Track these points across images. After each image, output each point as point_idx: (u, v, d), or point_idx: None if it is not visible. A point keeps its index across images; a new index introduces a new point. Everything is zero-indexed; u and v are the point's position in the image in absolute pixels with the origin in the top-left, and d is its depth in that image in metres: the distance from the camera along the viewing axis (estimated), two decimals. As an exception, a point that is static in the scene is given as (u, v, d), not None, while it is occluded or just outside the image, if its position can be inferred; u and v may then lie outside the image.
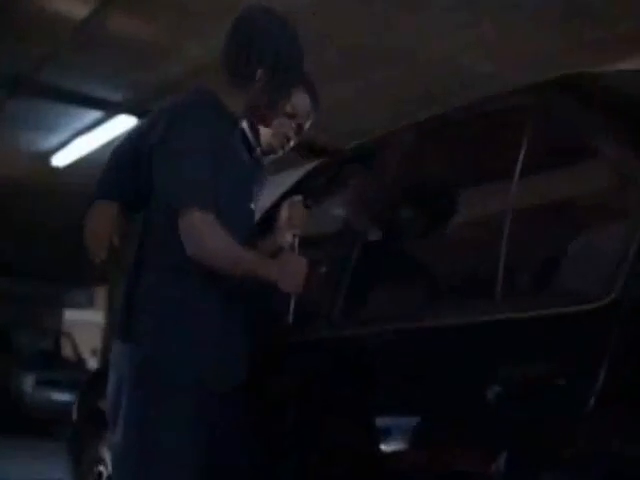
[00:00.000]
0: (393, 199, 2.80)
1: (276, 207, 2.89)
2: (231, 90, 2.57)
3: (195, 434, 2.42)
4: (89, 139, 9.28)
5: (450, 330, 2.21)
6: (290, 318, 2.57)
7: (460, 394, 2.09)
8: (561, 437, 1.81)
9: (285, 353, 2.80)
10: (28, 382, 13.33)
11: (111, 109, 8.50)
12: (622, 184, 1.99)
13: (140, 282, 2.51)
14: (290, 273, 2.46)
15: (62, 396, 12.60)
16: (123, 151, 2.72)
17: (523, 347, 2.01)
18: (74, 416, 3.85)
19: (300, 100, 2.87)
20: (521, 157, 2.20)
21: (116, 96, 8.20)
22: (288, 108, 2.81)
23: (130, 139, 2.71)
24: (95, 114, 8.76)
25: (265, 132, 2.90)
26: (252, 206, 2.64)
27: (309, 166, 3.31)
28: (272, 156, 2.99)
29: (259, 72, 2.53)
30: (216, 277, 2.45)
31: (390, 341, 2.42)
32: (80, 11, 6.59)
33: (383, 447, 2.30)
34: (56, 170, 10.73)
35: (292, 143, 2.98)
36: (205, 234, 2.38)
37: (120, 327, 2.53)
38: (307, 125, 2.97)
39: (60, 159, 10.30)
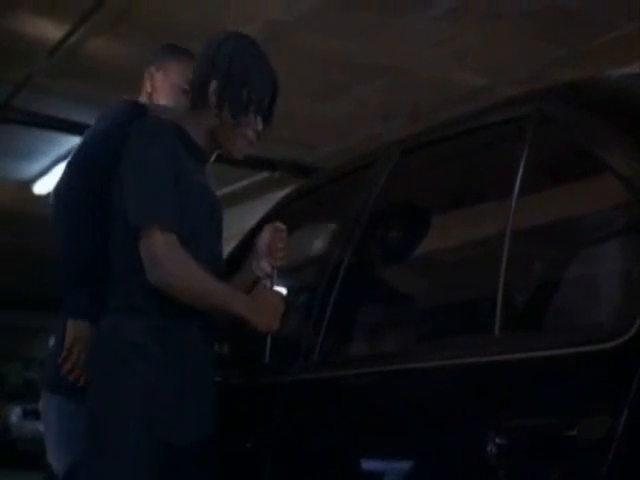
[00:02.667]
0: (378, 223, 2.57)
1: (252, 235, 2.66)
2: (192, 119, 2.40)
3: None
4: (70, 165, 9.08)
5: (442, 372, 1.96)
6: (267, 358, 2.35)
7: (456, 446, 1.83)
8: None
9: (260, 397, 2.55)
10: (14, 414, 13.12)
11: (91, 134, 8.31)
12: (636, 200, 1.75)
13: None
14: (265, 310, 2.26)
15: (50, 428, 12.31)
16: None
17: (526, 393, 1.76)
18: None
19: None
20: (519, 173, 1.97)
21: (97, 120, 8.02)
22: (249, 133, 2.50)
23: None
24: (75, 139, 8.56)
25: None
26: (219, 241, 2.43)
27: (287, 190, 3.10)
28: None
29: (212, 84, 2.35)
30: (179, 316, 2.24)
31: (373, 384, 2.18)
32: (54, 34, 6.45)
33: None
34: (38, 198, 10.54)
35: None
36: (168, 258, 2.18)
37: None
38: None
39: (42, 186, 10.13)
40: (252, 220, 3.01)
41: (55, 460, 2.66)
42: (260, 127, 2.39)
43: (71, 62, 6.91)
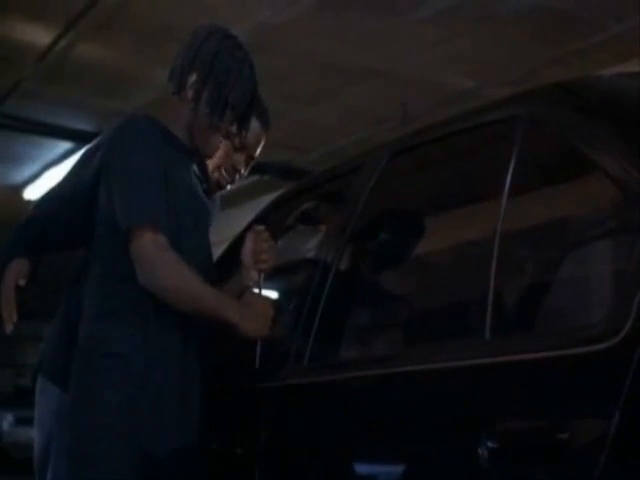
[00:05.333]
0: (368, 226, 2.55)
1: (241, 239, 2.63)
2: (172, 112, 2.38)
3: None
4: (61, 170, 9.06)
5: (432, 376, 1.94)
6: (257, 362, 2.32)
7: (447, 449, 1.82)
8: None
9: (250, 401, 2.53)
10: (6, 421, 13.05)
11: (81, 139, 8.31)
12: (627, 201, 1.74)
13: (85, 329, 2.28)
14: (254, 316, 2.24)
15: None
16: (52, 197, 2.60)
17: (517, 396, 1.74)
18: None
19: (250, 130, 2.53)
20: (509, 175, 1.95)
21: (86, 125, 8.03)
22: (236, 142, 2.54)
23: (66, 180, 2.59)
24: (65, 145, 8.60)
25: (213, 166, 2.66)
26: (208, 243, 2.40)
27: (275, 194, 3.08)
28: (220, 192, 2.77)
29: (192, 76, 2.34)
30: (167, 324, 2.22)
31: (363, 389, 2.16)
32: (43, 40, 6.43)
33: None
34: (29, 203, 10.49)
35: (243, 174, 2.75)
36: (159, 259, 2.16)
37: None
38: (258, 152, 2.74)
39: (32, 192, 10.07)
40: (242, 223, 2.99)
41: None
42: (234, 131, 2.37)
43: (60, 67, 6.89)
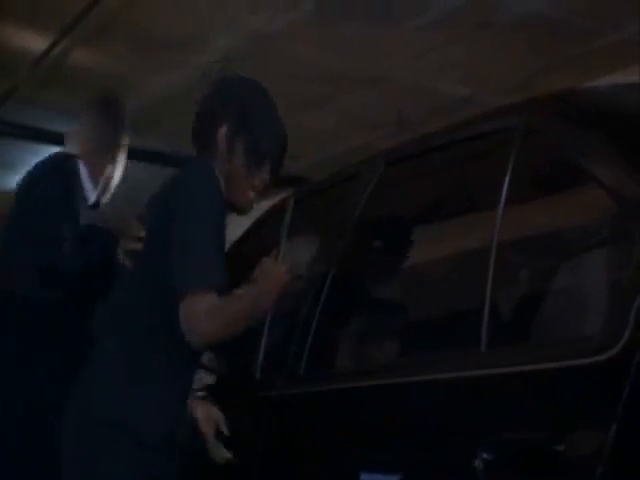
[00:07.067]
0: (364, 235, 2.55)
1: (238, 247, 2.63)
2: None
3: None
4: (56, 176, 9.05)
5: (428, 387, 1.93)
6: (257, 373, 2.32)
7: (443, 460, 1.81)
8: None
9: (250, 411, 2.53)
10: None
11: (77, 145, 8.30)
12: (622, 212, 1.73)
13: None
14: (271, 284, 2.21)
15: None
16: None
17: (514, 407, 1.73)
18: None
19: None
20: (505, 185, 1.95)
21: (81, 131, 8.00)
22: (257, 182, 2.35)
23: None
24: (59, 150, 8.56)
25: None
26: None
27: (271, 200, 3.07)
28: None
29: (223, 129, 2.26)
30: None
31: (359, 399, 2.15)
32: (38, 45, 6.40)
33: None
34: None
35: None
36: (208, 320, 2.10)
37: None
38: None
39: (27, 198, 10.04)
40: (237, 230, 2.97)
41: None
42: (267, 178, 2.32)
43: (56, 73, 6.86)
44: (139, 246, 2.49)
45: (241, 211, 2.36)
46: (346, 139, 7.44)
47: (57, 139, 8.25)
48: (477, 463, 1.67)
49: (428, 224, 2.66)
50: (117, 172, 3.25)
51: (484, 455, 1.66)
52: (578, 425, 1.58)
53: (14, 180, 10.40)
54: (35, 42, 6.39)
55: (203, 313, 2.09)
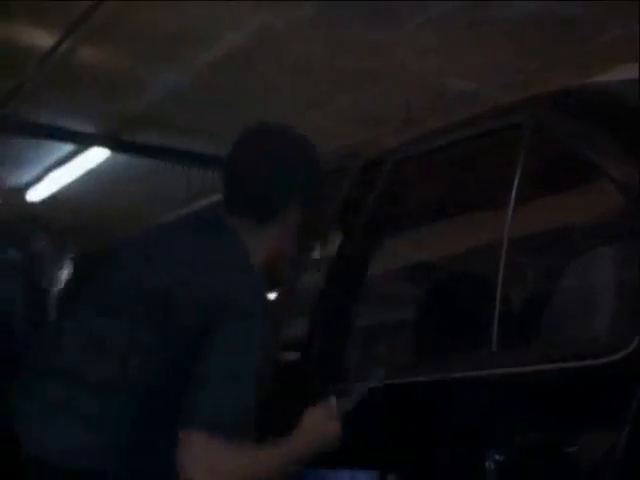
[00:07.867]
0: (372, 233, 2.53)
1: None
2: (253, 229, 2.10)
3: None
4: (63, 173, 9.08)
5: (439, 386, 1.93)
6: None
7: (453, 461, 1.80)
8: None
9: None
10: None
11: (83, 142, 8.31)
12: (631, 208, 1.72)
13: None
14: (324, 430, 2.00)
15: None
16: None
17: (524, 408, 1.72)
18: None
19: None
20: (516, 182, 1.94)
21: (88, 128, 8.02)
22: None
23: None
24: (67, 147, 8.59)
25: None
26: None
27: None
28: None
29: (288, 204, 2.10)
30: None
31: (369, 399, 2.13)
32: (44, 43, 6.42)
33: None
34: (31, 205, 10.51)
35: None
36: (216, 459, 1.88)
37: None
38: None
39: (35, 194, 10.08)
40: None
41: None
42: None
43: (62, 71, 6.88)
44: None
45: (275, 282, 2.24)
46: (348, 137, 7.43)
47: (63, 136, 8.31)
48: (488, 464, 1.66)
49: (438, 221, 2.65)
50: None
51: (495, 456, 1.66)
52: (590, 425, 1.58)
53: (20, 177, 10.46)
54: (41, 40, 6.41)
55: (222, 463, 1.88)
